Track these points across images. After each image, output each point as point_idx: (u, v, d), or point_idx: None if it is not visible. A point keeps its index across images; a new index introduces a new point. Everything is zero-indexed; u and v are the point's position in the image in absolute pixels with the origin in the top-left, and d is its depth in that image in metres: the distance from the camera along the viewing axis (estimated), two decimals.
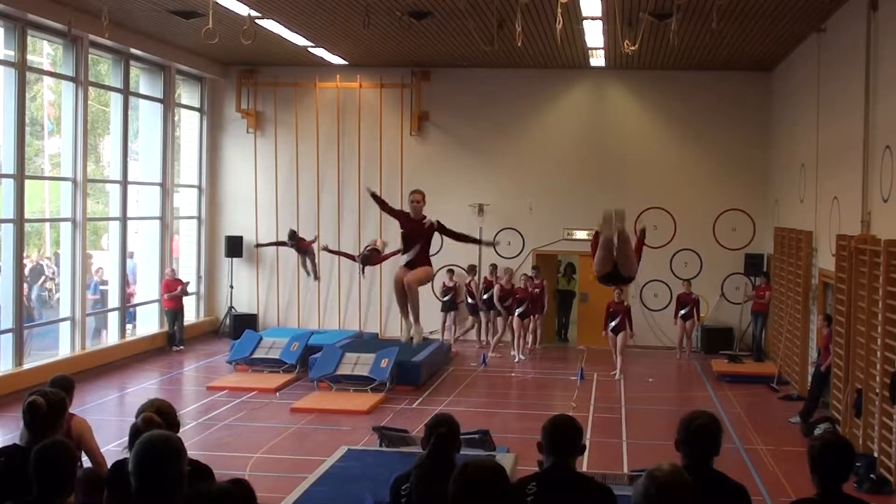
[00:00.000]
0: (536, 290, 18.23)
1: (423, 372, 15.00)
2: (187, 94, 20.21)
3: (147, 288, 18.64)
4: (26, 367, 14.18)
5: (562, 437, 4.45)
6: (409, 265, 9.64)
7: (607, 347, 17.64)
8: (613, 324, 17.19)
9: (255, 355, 15.93)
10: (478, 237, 10.52)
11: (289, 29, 15.47)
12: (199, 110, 20.36)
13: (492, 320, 19.09)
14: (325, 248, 16.57)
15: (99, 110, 21.68)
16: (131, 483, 3.66)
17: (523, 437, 10.72)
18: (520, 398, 14.73)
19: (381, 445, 10.10)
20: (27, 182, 14.78)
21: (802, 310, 15.12)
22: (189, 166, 20.33)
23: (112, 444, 9.72)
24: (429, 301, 19.86)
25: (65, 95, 15.98)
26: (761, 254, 19.00)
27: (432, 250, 9.86)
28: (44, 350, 15.99)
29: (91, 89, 16.76)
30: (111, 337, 17.43)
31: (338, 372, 14.44)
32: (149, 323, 18.53)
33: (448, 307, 19.26)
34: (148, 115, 18.60)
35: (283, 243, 17.91)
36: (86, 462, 6.40)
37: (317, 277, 18.34)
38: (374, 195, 10.14)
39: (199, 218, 20.43)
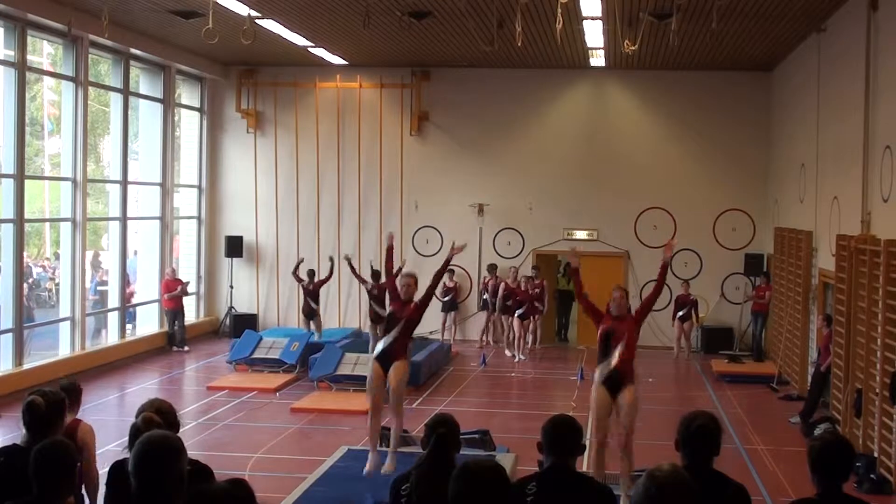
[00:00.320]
0: (536, 290, 18.24)
1: (423, 372, 15.00)
2: (187, 94, 20.21)
3: (147, 288, 18.64)
4: (26, 367, 14.18)
5: (562, 437, 4.44)
6: (383, 358, 8.99)
7: None
8: None
9: (255, 355, 15.93)
10: (445, 260, 10.06)
11: (289, 29, 15.47)
12: (199, 110, 20.36)
13: (494, 320, 19.14)
14: (348, 259, 16.53)
15: (99, 110, 21.69)
16: (131, 483, 3.65)
17: (523, 437, 10.72)
18: (520, 398, 14.73)
19: (380, 445, 10.09)
20: (27, 182, 14.79)
21: (802, 310, 15.12)
22: (189, 166, 20.33)
23: (112, 444, 9.74)
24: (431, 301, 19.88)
25: (65, 95, 15.98)
26: (761, 254, 19.00)
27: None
28: (44, 350, 15.99)
29: (91, 89, 16.75)
30: (111, 337, 17.43)
31: (338, 372, 14.44)
32: (149, 323, 18.53)
33: (448, 307, 19.26)
34: (148, 115, 18.60)
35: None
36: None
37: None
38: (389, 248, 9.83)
39: (199, 218, 20.43)
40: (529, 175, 19.75)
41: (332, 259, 17.62)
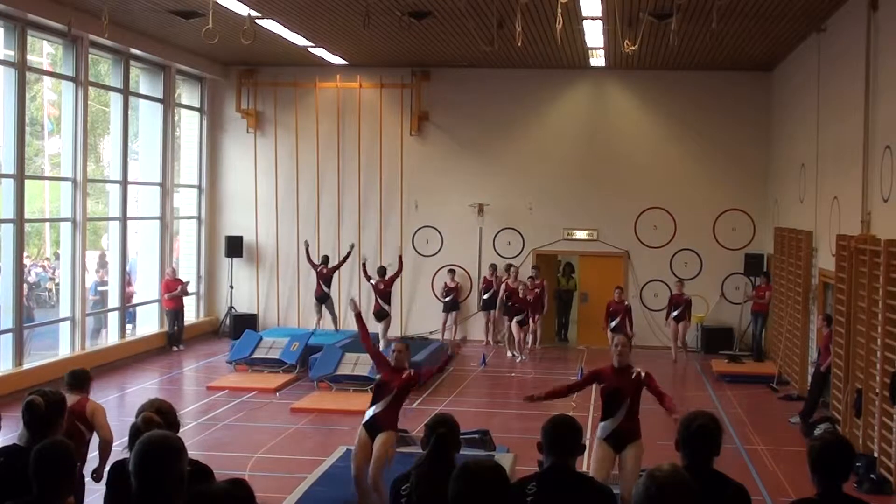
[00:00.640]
0: (536, 290, 18.24)
1: (422, 372, 14.97)
2: (187, 94, 20.22)
3: (147, 288, 18.64)
4: (26, 367, 14.19)
5: (562, 437, 4.45)
6: (371, 427, 8.45)
7: (607, 347, 17.54)
8: (614, 323, 17.22)
9: (255, 355, 15.93)
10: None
11: (289, 29, 15.46)
12: (199, 110, 20.36)
13: (492, 320, 19.16)
14: (364, 265, 17.41)
15: (99, 110, 21.69)
16: (131, 483, 3.66)
17: (523, 437, 10.73)
18: (520, 398, 14.68)
19: None
20: (27, 182, 14.79)
21: (802, 310, 15.11)
22: (189, 166, 20.33)
23: (112, 445, 9.72)
24: (430, 301, 19.91)
25: (65, 95, 15.98)
26: (761, 254, 19.00)
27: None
28: (44, 350, 15.99)
29: (91, 89, 16.75)
30: (111, 337, 17.43)
31: (338, 372, 14.44)
32: (149, 323, 18.53)
33: (449, 307, 19.26)
34: (148, 115, 18.60)
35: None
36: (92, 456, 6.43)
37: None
38: (357, 315, 9.29)
39: (199, 218, 20.43)
40: (529, 175, 19.75)
41: (352, 245, 18.60)
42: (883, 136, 11.24)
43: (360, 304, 10.22)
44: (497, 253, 19.90)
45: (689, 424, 4.40)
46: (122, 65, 17.12)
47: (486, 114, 19.85)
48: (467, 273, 19.89)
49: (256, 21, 14.29)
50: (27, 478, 4.14)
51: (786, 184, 17.35)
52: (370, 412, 8.50)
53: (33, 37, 14.91)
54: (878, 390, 10.47)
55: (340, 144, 20.09)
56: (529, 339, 18.24)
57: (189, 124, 20.41)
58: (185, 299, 18.56)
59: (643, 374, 8.02)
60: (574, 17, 13.98)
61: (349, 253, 18.31)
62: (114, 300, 17.60)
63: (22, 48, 14.15)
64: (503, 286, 18.49)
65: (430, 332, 18.73)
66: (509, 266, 19.09)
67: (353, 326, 19.42)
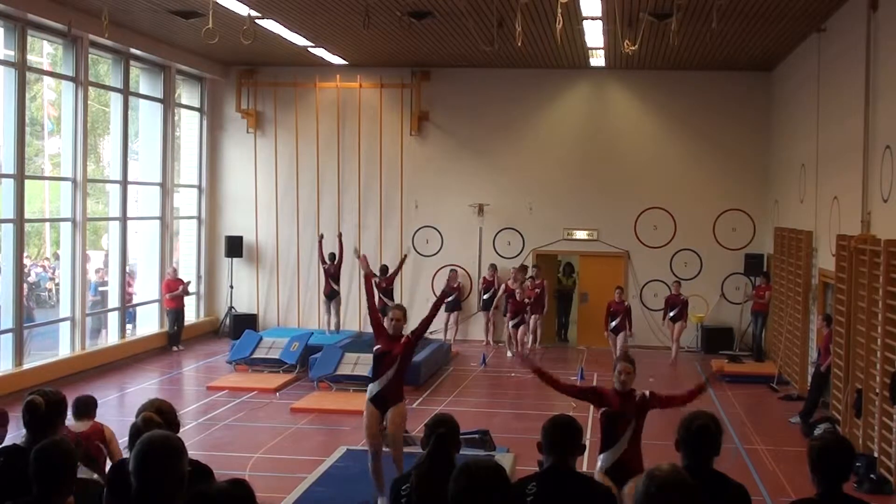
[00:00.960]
0: (537, 290, 18.23)
1: (423, 372, 15.00)
2: (187, 94, 20.22)
3: (147, 288, 18.64)
4: (26, 367, 14.18)
5: (562, 437, 4.45)
6: (380, 402, 8.31)
7: (607, 347, 17.66)
8: (614, 324, 17.21)
9: (255, 355, 15.93)
10: (437, 299, 9.47)
11: (289, 29, 15.46)
12: (199, 110, 20.36)
13: (492, 320, 19.15)
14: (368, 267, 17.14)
15: (99, 110, 21.70)
16: (131, 483, 3.65)
17: (523, 437, 10.73)
18: (520, 398, 14.72)
19: None
20: (27, 182, 14.79)
21: (802, 310, 15.12)
22: (189, 166, 20.33)
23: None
24: (430, 301, 19.86)
25: (65, 95, 15.98)
26: (761, 254, 19.01)
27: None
28: (44, 350, 15.99)
29: (91, 89, 16.76)
30: (111, 337, 17.43)
31: (338, 372, 14.44)
32: (149, 323, 18.53)
33: (451, 307, 19.25)
34: (148, 115, 18.60)
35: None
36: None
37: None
38: (367, 276, 9.20)
39: (199, 218, 20.43)
40: (529, 175, 19.75)
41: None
42: (883, 136, 11.24)
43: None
44: (497, 253, 19.90)
45: (690, 424, 4.41)
46: (122, 65, 17.12)
47: (486, 114, 19.85)
48: (467, 273, 19.89)
49: (256, 21, 14.29)
50: (27, 478, 4.14)
51: (786, 184, 17.35)
52: (376, 387, 8.34)
53: (33, 37, 14.91)
54: (878, 390, 10.47)
55: (340, 144, 20.09)
56: (529, 338, 18.22)
57: (189, 124, 20.41)
58: (186, 299, 18.56)
59: (647, 395, 7.13)
60: (574, 17, 13.98)
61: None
62: (114, 300, 17.60)
63: (22, 48, 14.15)
64: (503, 287, 18.48)
65: (431, 332, 18.70)
66: (524, 268, 18.89)
67: (352, 326, 19.51)
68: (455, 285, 18.88)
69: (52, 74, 17.77)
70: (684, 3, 12.74)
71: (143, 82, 18.35)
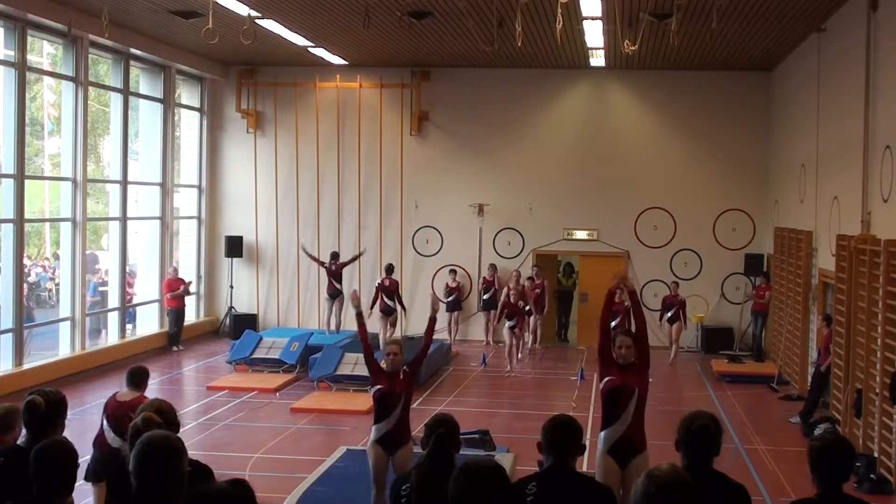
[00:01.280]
0: (537, 290, 18.21)
1: (422, 372, 14.99)
2: (187, 94, 20.21)
3: (147, 288, 18.64)
4: (26, 367, 14.18)
5: (562, 437, 4.45)
6: (387, 443, 7.76)
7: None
8: (614, 324, 17.16)
9: (255, 355, 15.93)
10: (428, 326, 9.02)
11: (289, 29, 15.46)
12: (199, 110, 20.36)
13: (492, 320, 19.11)
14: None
15: (99, 110, 21.70)
16: (132, 483, 3.65)
17: (523, 437, 10.73)
18: (520, 398, 14.72)
19: None
20: (27, 182, 14.79)
21: (802, 310, 15.12)
22: (189, 166, 20.33)
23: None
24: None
25: (65, 95, 15.99)
26: (761, 254, 19.01)
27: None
28: (44, 350, 15.99)
29: (91, 89, 16.76)
30: (111, 337, 17.43)
31: (338, 372, 14.44)
32: (149, 323, 18.53)
33: (452, 307, 19.26)
34: (148, 115, 18.60)
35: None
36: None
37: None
38: (358, 314, 8.47)
39: (199, 218, 20.43)
40: (529, 175, 19.75)
41: (361, 252, 18.88)
42: (883, 136, 11.24)
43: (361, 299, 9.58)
44: (497, 253, 19.89)
45: (690, 424, 4.41)
46: (122, 65, 17.12)
47: (486, 114, 19.85)
48: (467, 273, 19.88)
49: (256, 21, 14.29)
50: (27, 478, 4.14)
51: (786, 184, 17.35)
52: (383, 428, 7.76)
53: (33, 37, 14.91)
54: (878, 390, 10.47)
55: (340, 144, 20.09)
56: (529, 339, 18.19)
57: (189, 124, 20.41)
58: (186, 299, 18.56)
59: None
60: (574, 17, 13.98)
61: (357, 256, 18.53)
62: (114, 300, 17.60)
63: (22, 48, 14.15)
64: (504, 289, 18.35)
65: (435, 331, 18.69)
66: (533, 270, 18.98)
67: (352, 327, 19.48)
68: (437, 307, 18.69)
69: (52, 74, 17.77)
70: (684, 3, 12.75)
71: (143, 82, 18.35)
